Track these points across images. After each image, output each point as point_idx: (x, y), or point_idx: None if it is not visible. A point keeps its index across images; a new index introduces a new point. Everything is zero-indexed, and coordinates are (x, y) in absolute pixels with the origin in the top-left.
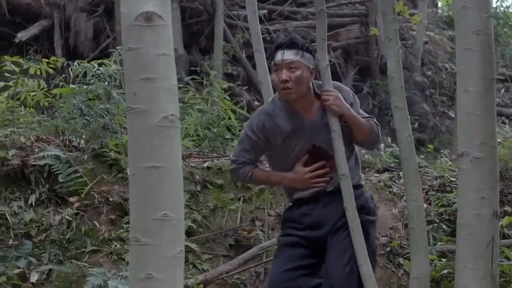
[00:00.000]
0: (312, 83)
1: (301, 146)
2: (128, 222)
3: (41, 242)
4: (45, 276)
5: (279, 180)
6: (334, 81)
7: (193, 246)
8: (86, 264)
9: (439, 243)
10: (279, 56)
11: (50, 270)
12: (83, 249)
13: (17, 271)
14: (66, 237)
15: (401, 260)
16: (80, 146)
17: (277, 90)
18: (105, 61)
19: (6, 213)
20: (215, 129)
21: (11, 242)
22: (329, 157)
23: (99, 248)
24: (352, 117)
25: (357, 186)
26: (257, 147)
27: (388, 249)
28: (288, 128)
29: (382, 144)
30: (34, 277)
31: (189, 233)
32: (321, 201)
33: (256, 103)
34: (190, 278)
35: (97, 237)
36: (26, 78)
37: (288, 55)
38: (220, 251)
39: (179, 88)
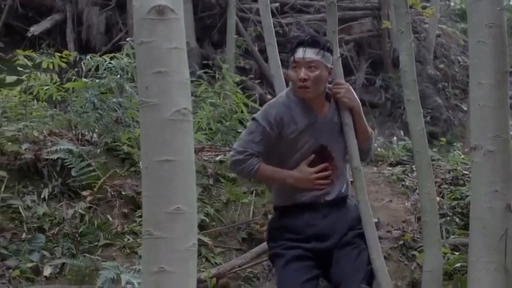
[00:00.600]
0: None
1: (311, 144)
2: (140, 216)
3: (54, 236)
4: (58, 269)
5: (283, 178)
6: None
7: (206, 239)
8: (99, 258)
9: (452, 237)
10: (300, 53)
11: (63, 264)
12: (96, 243)
13: (30, 265)
14: (79, 231)
15: (414, 253)
16: (93, 139)
17: (294, 86)
18: (117, 55)
19: (20, 207)
20: (227, 123)
21: (24, 235)
22: (332, 159)
23: (112, 242)
24: (360, 114)
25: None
26: (268, 140)
27: (401, 242)
28: (303, 123)
29: (395, 138)
30: (47, 271)
31: (201, 227)
32: (321, 211)
33: (269, 96)
34: (203, 271)
35: (110, 231)
36: (38, 72)
37: (309, 53)
38: (233, 245)
39: (191, 82)
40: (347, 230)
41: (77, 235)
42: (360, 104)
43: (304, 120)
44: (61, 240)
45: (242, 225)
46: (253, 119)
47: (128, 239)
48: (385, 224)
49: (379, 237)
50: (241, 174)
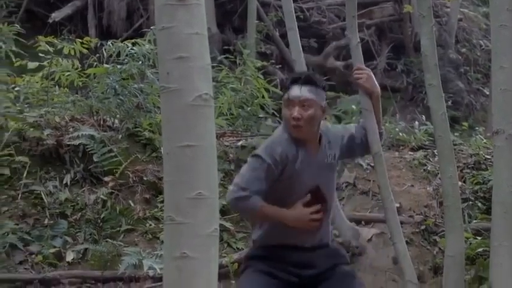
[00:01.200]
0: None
1: (308, 184)
2: (162, 201)
3: (76, 222)
4: (80, 255)
5: (283, 218)
6: (324, 126)
7: (227, 225)
8: (121, 243)
9: (474, 221)
10: (294, 91)
11: (86, 249)
12: (118, 229)
13: (52, 250)
14: (101, 217)
15: (436, 238)
16: (114, 125)
17: (287, 125)
18: (138, 41)
19: (42, 193)
20: (249, 108)
21: (46, 221)
22: (325, 201)
23: (134, 227)
24: (379, 100)
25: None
26: (271, 178)
27: (423, 227)
28: (302, 163)
29: (417, 122)
30: (70, 256)
31: (223, 212)
32: (304, 251)
33: None
34: (225, 256)
35: (132, 217)
36: (60, 58)
37: (304, 92)
38: None
39: (212, 67)
40: (333, 265)
41: (99, 221)
42: (380, 90)
43: (302, 160)
44: (83, 226)
45: None
46: (256, 155)
47: (150, 225)
48: (407, 209)
49: (401, 222)
50: (242, 211)
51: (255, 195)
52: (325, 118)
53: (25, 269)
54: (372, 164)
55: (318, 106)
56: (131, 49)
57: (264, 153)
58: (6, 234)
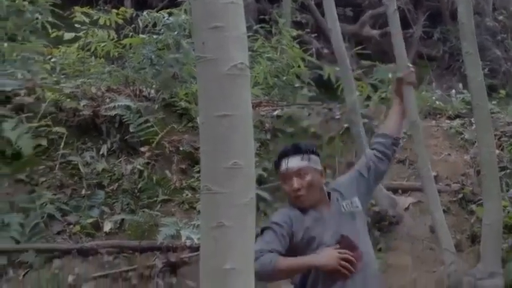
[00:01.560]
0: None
1: (329, 240)
2: (198, 171)
3: (113, 192)
4: (118, 225)
5: (307, 262)
6: (331, 184)
7: (264, 194)
8: (158, 214)
9: None
10: (285, 165)
11: (123, 219)
12: (155, 199)
13: (90, 220)
14: (138, 187)
15: (473, 207)
16: (150, 95)
17: (291, 199)
18: (174, 10)
19: (79, 164)
20: (284, 78)
21: (83, 192)
22: (356, 248)
23: (171, 198)
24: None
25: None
26: (281, 238)
27: (460, 196)
28: (316, 220)
29: (453, 91)
30: (107, 226)
31: (259, 182)
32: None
33: (326, 51)
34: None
35: (168, 187)
36: (96, 29)
37: (294, 162)
38: None
39: (248, 37)
40: None
41: (135, 191)
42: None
43: (315, 218)
44: (120, 196)
45: None
46: (261, 230)
47: (187, 195)
48: (443, 178)
49: (438, 191)
50: (258, 272)
51: (269, 253)
52: (326, 182)
53: (63, 239)
54: (409, 133)
55: (313, 171)
56: (167, 19)
57: (267, 224)
58: (44, 204)
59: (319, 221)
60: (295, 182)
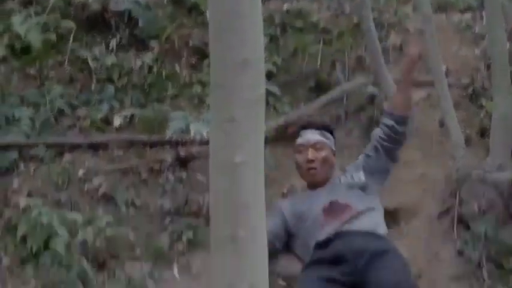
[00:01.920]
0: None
1: (317, 208)
2: (208, 66)
3: (123, 87)
4: (128, 120)
5: None
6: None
7: (273, 89)
8: (168, 108)
9: None
10: (303, 135)
11: (132, 115)
12: (165, 94)
13: (100, 115)
14: (148, 82)
15: (483, 101)
16: None
17: (301, 173)
18: None
19: (88, 58)
20: None
21: (93, 86)
22: (346, 206)
23: (181, 92)
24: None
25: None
26: (280, 221)
27: (470, 90)
28: (300, 199)
29: None
30: (117, 121)
31: (269, 76)
32: (344, 238)
33: None
34: (271, 120)
35: (178, 82)
36: None
37: (313, 136)
38: (301, 94)
39: None
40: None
41: (145, 86)
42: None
43: (303, 196)
44: (130, 91)
45: (310, 74)
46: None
47: (196, 89)
48: (454, 72)
49: (448, 85)
50: None
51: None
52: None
53: (73, 133)
54: (420, 28)
55: (329, 149)
56: None
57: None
58: (54, 99)
59: (311, 197)
60: (310, 153)
